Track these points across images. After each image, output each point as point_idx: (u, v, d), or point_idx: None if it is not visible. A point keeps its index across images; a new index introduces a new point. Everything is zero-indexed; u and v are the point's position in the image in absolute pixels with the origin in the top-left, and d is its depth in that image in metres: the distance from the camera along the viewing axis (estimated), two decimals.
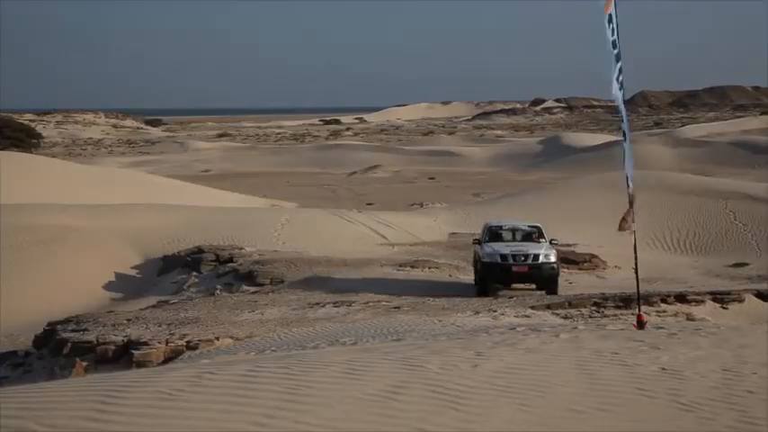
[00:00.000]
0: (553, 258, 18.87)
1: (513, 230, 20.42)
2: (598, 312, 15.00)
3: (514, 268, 18.72)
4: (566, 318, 14.47)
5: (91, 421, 5.00)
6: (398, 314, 14.59)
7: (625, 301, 15.38)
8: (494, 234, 20.09)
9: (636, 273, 11.39)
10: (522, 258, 18.78)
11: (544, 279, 18.69)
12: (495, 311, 14.59)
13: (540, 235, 20.07)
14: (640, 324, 10.44)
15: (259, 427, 5.15)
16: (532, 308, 15.23)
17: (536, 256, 18.79)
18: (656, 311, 15.38)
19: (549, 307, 15.38)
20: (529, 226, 20.50)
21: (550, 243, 19.58)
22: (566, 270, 22.02)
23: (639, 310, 11.28)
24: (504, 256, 18.75)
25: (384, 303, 16.36)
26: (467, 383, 6.29)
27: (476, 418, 5.54)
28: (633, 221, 10.54)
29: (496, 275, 18.76)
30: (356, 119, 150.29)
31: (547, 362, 7.20)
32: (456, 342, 8.80)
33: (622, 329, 10.26)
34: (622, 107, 10.54)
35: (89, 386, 5.91)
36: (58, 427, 4.77)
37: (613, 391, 6.43)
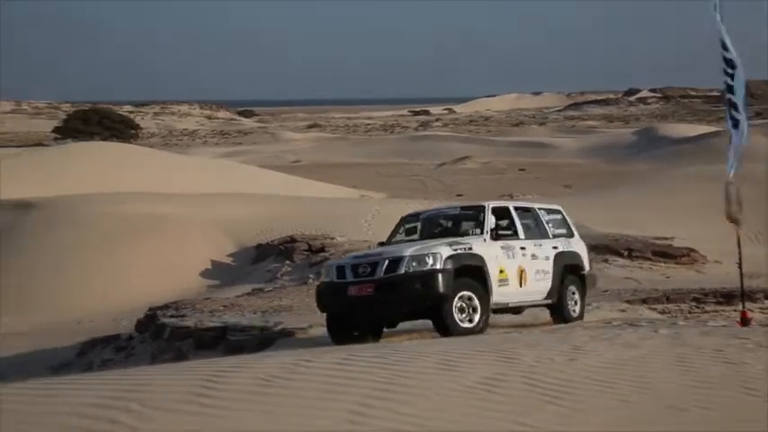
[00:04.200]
0: (439, 264, 9.83)
1: (445, 219, 11.74)
2: (698, 308, 14.57)
3: (351, 290, 10.04)
4: (663, 313, 14.12)
5: (192, 404, 5.10)
6: None
7: (726, 297, 14.89)
8: (411, 229, 11.65)
9: (740, 268, 11.00)
10: (367, 270, 10.08)
11: (413, 304, 9.99)
12: (589, 305, 14.34)
13: (506, 218, 11.23)
14: (744, 321, 10.10)
15: (355, 415, 5.17)
16: (628, 302, 14.91)
17: (395, 263, 9.98)
18: (760, 308, 14.85)
19: (645, 301, 15.02)
20: (466, 207, 11.81)
21: (496, 234, 10.74)
22: (662, 264, 21.45)
23: (744, 307, 10.92)
24: (341, 270, 10.33)
25: None
26: (564, 377, 6.18)
27: (575, 413, 5.45)
28: (740, 209, 10.19)
29: (332, 306, 10.43)
30: (445, 110, 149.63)
31: (647, 357, 7.03)
32: (550, 335, 8.68)
33: (725, 326, 9.94)
34: (741, 90, 10.24)
35: (190, 370, 6.05)
36: (162, 410, 4.89)
37: (717, 389, 6.23)
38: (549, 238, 11.65)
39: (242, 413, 5.03)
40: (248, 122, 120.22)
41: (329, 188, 44.93)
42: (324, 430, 4.94)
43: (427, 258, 9.93)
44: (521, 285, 10.83)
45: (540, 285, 11.19)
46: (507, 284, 10.61)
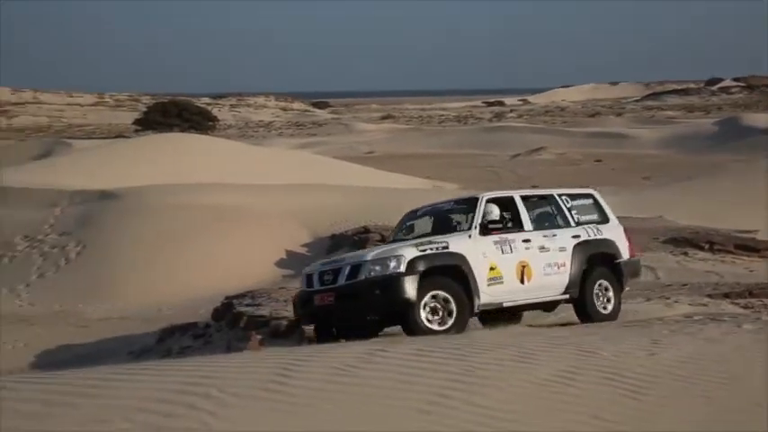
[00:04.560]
0: (402, 267, 9.25)
1: (439, 215, 10.89)
2: None
3: (316, 300, 9.72)
4: (746, 307, 13.71)
5: (269, 392, 5.17)
6: None
7: None
8: (411, 226, 11.05)
9: None
10: (330, 278, 9.68)
11: (375, 311, 9.49)
12: (668, 299, 14.03)
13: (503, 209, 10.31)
14: None
15: (430, 405, 5.16)
16: (709, 296, 14.53)
17: (356, 269, 9.50)
18: None
19: (727, 296, 14.62)
20: (460, 201, 10.90)
21: (486, 229, 9.93)
22: (745, 258, 20.83)
23: None
24: (309, 278, 9.99)
25: None
26: (644, 372, 6.05)
27: (656, 408, 5.33)
28: None
29: (303, 315, 10.35)
30: (520, 100, 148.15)
31: (730, 353, 6.84)
32: (629, 329, 8.51)
33: None
34: None
35: (267, 358, 6.12)
36: (240, 396, 4.96)
37: None
38: (570, 226, 10.60)
39: (317, 401, 5.06)
40: (322, 114, 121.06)
41: (402, 179, 44.94)
42: (399, 420, 4.94)
43: (389, 262, 9.30)
44: (522, 282, 9.88)
45: (552, 280, 10.14)
46: (501, 282, 9.71)
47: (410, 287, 9.18)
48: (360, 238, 24.47)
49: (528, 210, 10.49)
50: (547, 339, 7.14)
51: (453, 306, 9.33)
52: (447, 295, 9.34)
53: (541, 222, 10.56)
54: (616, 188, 39.07)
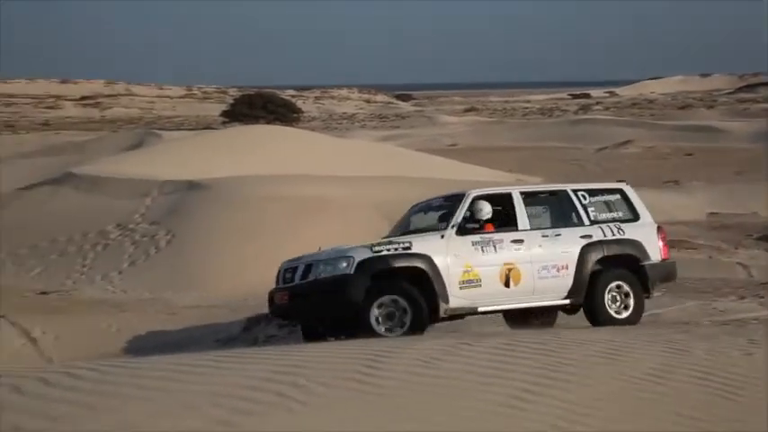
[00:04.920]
0: (352, 268, 8.99)
1: (429, 211, 10.58)
2: None
3: (276, 298, 9.74)
4: None
5: (356, 382, 5.20)
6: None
7: None
8: (410, 222, 10.69)
9: None
10: (289, 277, 9.62)
11: (323, 313, 9.35)
12: (762, 297, 13.59)
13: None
14: None
15: (516, 401, 5.11)
16: None
17: (308, 269, 9.37)
18: None
19: None
20: (448, 197, 10.28)
21: (463, 228, 9.45)
22: None
23: None
24: (277, 275, 10.01)
25: None
26: (739, 372, 5.87)
27: (750, 409, 5.16)
28: None
29: (272, 314, 10.51)
30: (607, 92, 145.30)
31: None
32: (722, 328, 8.27)
33: None
34: None
35: (352, 349, 6.16)
36: (328, 386, 5.00)
37: None
38: (582, 225, 9.83)
39: (404, 392, 5.07)
40: (405, 106, 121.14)
41: (485, 172, 44.59)
42: (484, 415, 4.90)
43: (340, 263, 9.03)
44: (507, 285, 9.30)
45: (549, 284, 9.47)
46: (478, 285, 9.18)
47: (357, 290, 8.84)
48: None
49: (530, 207, 9.84)
50: (637, 337, 6.99)
51: (408, 310, 8.91)
52: (401, 299, 8.91)
53: (544, 221, 9.89)
54: (708, 182, 38.02)
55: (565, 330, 8.15)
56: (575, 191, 10.12)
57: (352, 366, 5.40)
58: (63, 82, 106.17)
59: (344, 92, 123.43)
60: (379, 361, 5.55)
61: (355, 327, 8.85)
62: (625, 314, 9.75)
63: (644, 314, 9.77)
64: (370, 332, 8.75)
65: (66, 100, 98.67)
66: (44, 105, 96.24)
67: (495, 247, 9.37)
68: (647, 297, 9.98)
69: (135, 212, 26.59)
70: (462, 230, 9.35)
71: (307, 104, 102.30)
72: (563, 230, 9.79)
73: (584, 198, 10.10)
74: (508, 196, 9.78)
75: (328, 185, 29.56)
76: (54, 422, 4.24)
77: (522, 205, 9.73)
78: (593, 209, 10.06)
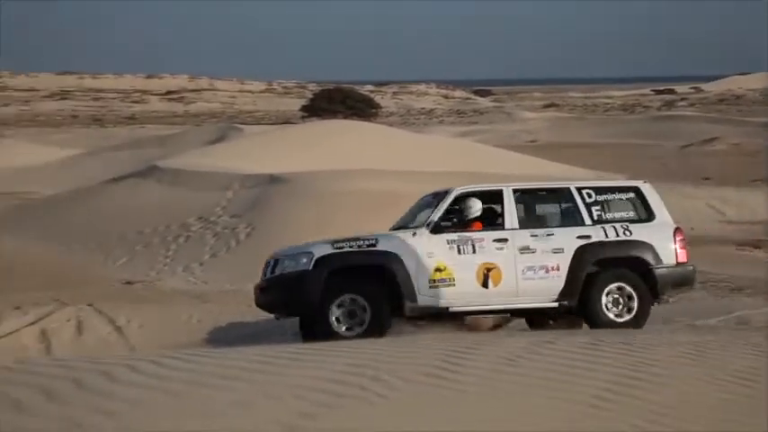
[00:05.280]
0: (310, 265, 8.98)
1: (421, 208, 10.29)
2: None
3: (254, 291, 10.05)
4: None
5: (437, 378, 5.21)
6: (741, 296, 13.64)
7: None
8: (416, 215, 10.30)
9: None
10: (265, 270, 9.69)
11: (285, 310, 9.42)
12: None
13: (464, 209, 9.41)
14: None
15: (598, 400, 5.04)
16: None
17: (276, 264, 9.46)
18: None
19: None
20: (436, 195, 9.93)
21: (437, 227, 9.28)
22: None
23: None
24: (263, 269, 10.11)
25: (724, 284, 15.38)
26: None
27: None
28: None
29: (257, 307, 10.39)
30: (692, 88, 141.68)
31: None
32: None
33: None
34: None
35: (432, 344, 6.16)
36: (409, 381, 5.02)
37: None
38: (583, 224, 9.36)
39: (485, 390, 5.06)
40: (484, 102, 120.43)
41: (564, 169, 44.05)
42: (566, 414, 4.85)
43: (300, 258, 8.99)
44: (486, 286, 9.03)
45: (537, 285, 9.11)
46: (452, 285, 8.97)
47: (313, 287, 8.74)
48: None
49: (524, 205, 9.46)
50: (725, 338, 6.82)
51: (367, 308, 8.76)
52: (359, 297, 8.77)
53: (537, 220, 9.52)
54: None
55: (652, 330, 8.00)
56: (579, 189, 9.66)
57: (432, 362, 5.40)
58: (149, 77, 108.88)
59: (422, 87, 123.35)
60: (461, 357, 5.54)
61: (313, 326, 8.81)
62: (627, 317, 9.27)
63: (731, 315, 9.45)
64: (328, 330, 8.64)
65: (151, 94, 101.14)
66: (130, 100, 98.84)
67: (473, 246, 9.11)
68: (658, 302, 9.49)
69: (216, 205, 27.13)
70: (437, 229, 9.14)
71: (385, 100, 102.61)
72: (558, 230, 9.40)
73: (590, 196, 9.61)
74: (499, 193, 9.45)
75: (404, 180, 29.57)
76: (140, 408, 4.36)
77: (513, 203, 9.38)
78: (597, 208, 9.57)
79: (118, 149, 52.15)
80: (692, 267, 9.72)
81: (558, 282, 9.14)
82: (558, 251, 9.18)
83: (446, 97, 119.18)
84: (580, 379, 5.33)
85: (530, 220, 9.39)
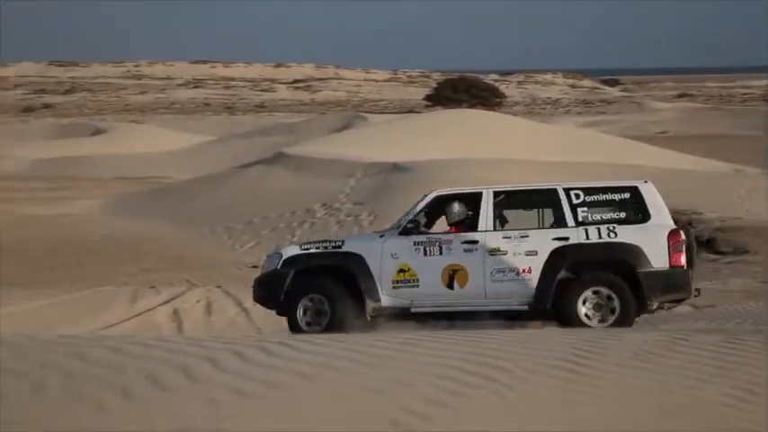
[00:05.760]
0: (279, 265, 9.53)
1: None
2: None
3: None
4: None
5: (564, 371, 5.12)
6: None
7: None
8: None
9: None
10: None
11: (266, 306, 10.01)
12: None
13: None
14: None
15: (735, 401, 4.84)
16: None
17: (265, 262, 10.23)
18: None
19: None
20: (425, 196, 9.92)
21: (405, 228, 9.38)
22: None
23: None
24: None
25: None
26: None
27: None
28: None
29: None
30: None
31: None
32: None
33: None
34: None
35: (559, 337, 6.06)
36: (535, 372, 4.95)
37: None
38: (565, 226, 9.03)
39: (615, 384, 4.93)
40: (612, 91, 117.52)
41: (697, 161, 42.52)
42: (702, 413, 4.67)
43: (274, 258, 9.48)
44: (450, 287, 8.99)
45: (506, 287, 8.95)
46: (415, 285, 9.04)
47: (279, 285, 9.13)
48: None
49: (505, 208, 9.33)
50: None
51: (326, 307, 9.01)
52: (321, 297, 9.05)
53: (518, 222, 9.32)
54: None
55: None
56: (567, 189, 9.25)
57: (561, 354, 5.31)
58: (277, 66, 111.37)
59: (549, 76, 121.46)
60: (591, 351, 5.42)
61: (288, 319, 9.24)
62: (609, 322, 8.75)
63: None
64: (295, 325, 9.07)
65: (279, 83, 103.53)
66: (259, 88, 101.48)
67: (440, 248, 9.08)
68: (649, 308, 8.93)
69: (340, 192, 27.56)
70: (405, 231, 9.21)
71: (510, 89, 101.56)
72: (534, 232, 9.17)
73: (577, 197, 9.20)
74: (478, 196, 9.30)
75: (526, 170, 29.23)
76: (272, 389, 4.46)
77: (490, 205, 9.19)
78: (584, 209, 9.15)
79: (247, 137, 53.73)
80: (684, 270, 8.94)
81: (529, 284, 8.93)
82: (531, 253, 8.96)
83: (573, 87, 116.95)
84: (717, 378, 5.13)
85: (510, 222, 9.28)
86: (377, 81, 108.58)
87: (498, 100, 73.28)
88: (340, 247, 9.28)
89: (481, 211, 9.15)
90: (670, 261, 8.83)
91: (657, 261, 8.81)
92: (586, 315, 8.77)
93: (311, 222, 25.88)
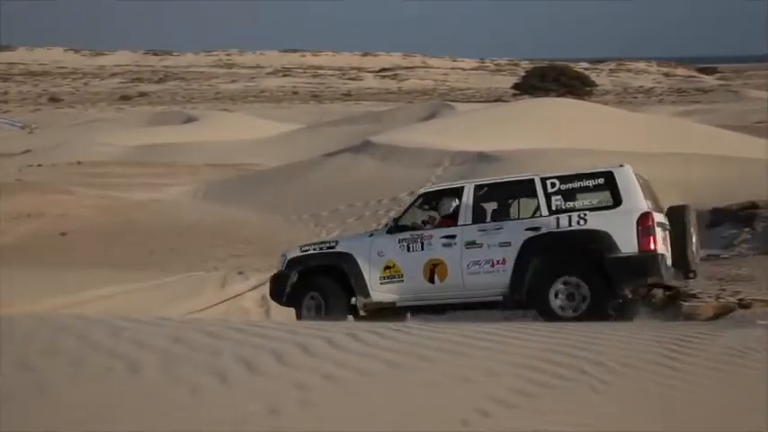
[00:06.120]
0: (283, 266, 10.23)
1: None
2: None
3: None
4: None
5: (661, 366, 5.01)
6: None
7: None
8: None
9: None
10: None
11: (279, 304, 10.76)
12: None
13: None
14: None
15: None
16: None
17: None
18: None
19: None
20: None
21: (393, 227, 9.81)
22: None
23: None
24: None
25: None
26: None
27: None
28: None
29: None
30: None
31: None
32: None
33: None
34: None
35: (654, 332, 5.92)
36: (631, 367, 4.85)
37: None
38: (540, 215, 9.07)
39: (711, 382, 4.79)
40: (709, 80, 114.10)
41: None
42: None
43: (282, 259, 10.17)
44: (431, 281, 9.23)
45: (482, 279, 9.06)
46: (400, 281, 9.38)
47: (283, 285, 9.85)
48: (746, 214, 22.77)
49: (486, 201, 9.43)
50: None
51: (321, 303, 9.59)
52: (317, 294, 9.64)
53: (496, 214, 9.43)
54: None
55: None
56: (544, 179, 9.28)
57: (656, 349, 5.18)
58: (365, 55, 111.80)
59: (642, 65, 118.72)
60: (687, 347, 5.28)
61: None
62: (583, 308, 8.70)
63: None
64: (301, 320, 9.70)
65: (366, 72, 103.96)
66: (347, 77, 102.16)
67: (422, 243, 9.38)
68: (619, 296, 8.80)
69: (427, 181, 27.50)
70: (392, 229, 9.62)
71: (601, 77, 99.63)
72: (509, 223, 9.23)
73: (553, 186, 9.20)
74: (460, 190, 9.49)
75: (615, 161, 28.63)
76: (363, 375, 4.48)
77: (471, 199, 9.36)
78: (558, 198, 9.12)
79: (334, 125, 54.16)
80: (653, 255, 8.76)
81: (504, 275, 9.01)
82: (505, 244, 9.06)
83: (667, 75, 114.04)
84: None
85: (489, 214, 9.41)
86: (464, 70, 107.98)
87: (588, 89, 71.94)
88: (333, 247, 9.85)
89: (462, 206, 9.34)
90: (639, 245, 8.70)
91: (626, 246, 8.71)
92: (560, 306, 8.79)
93: (397, 211, 25.92)
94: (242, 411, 3.76)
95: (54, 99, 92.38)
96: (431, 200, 9.75)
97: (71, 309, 11.66)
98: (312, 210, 26.77)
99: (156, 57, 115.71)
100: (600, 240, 8.75)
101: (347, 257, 9.63)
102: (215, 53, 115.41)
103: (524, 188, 9.35)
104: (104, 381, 4.14)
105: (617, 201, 9.01)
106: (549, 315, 8.80)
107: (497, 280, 9.04)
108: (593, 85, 75.65)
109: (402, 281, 9.41)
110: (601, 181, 9.16)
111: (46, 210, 27.40)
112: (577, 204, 9.06)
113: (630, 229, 8.80)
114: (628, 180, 9.11)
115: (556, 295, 8.80)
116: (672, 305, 13.88)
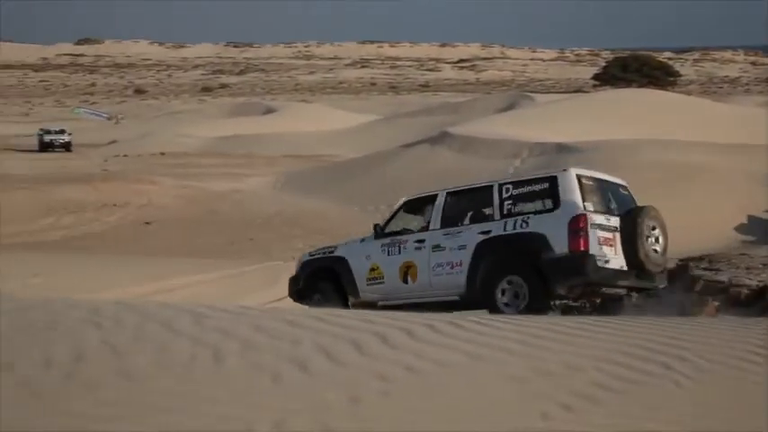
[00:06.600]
0: (297, 269, 11.18)
1: None
2: None
3: None
4: None
5: (747, 362, 4.89)
6: None
7: None
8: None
9: None
10: None
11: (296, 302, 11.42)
12: None
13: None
14: None
15: None
16: None
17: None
18: None
19: None
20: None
21: (379, 232, 10.42)
22: None
23: None
24: None
25: None
26: None
27: None
28: None
29: None
30: None
31: None
32: None
33: None
34: None
35: (746, 330, 5.76)
36: (718, 363, 4.74)
37: None
38: (493, 220, 9.65)
39: None
40: None
41: None
42: None
43: (297, 263, 11.16)
44: (406, 282, 10.00)
45: (442, 280, 9.75)
46: (382, 282, 10.17)
47: (295, 286, 10.84)
48: None
49: (453, 207, 9.99)
50: None
51: (324, 304, 10.13)
52: (319, 295, 10.49)
53: (457, 219, 9.97)
54: None
55: None
56: (501, 185, 9.91)
57: (743, 346, 5.05)
58: (442, 46, 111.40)
59: (728, 54, 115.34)
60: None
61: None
62: (519, 307, 9.29)
63: None
64: None
65: (444, 63, 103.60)
66: (425, 68, 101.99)
67: (399, 247, 10.11)
68: (555, 295, 9.30)
69: (505, 173, 27.30)
70: (378, 234, 10.34)
71: (685, 67, 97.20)
72: (467, 228, 9.82)
73: (506, 191, 9.80)
74: (435, 197, 10.16)
75: (697, 152, 27.92)
76: (443, 367, 4.48)
77: (441, 206, 10.00)
78: (510, 202, 9.72)
79: (411, 116, 54.16)
80: (584, 254, 9.20)
81: (461, 277, 9.64)
82: (462, 248, 9.66)
83: (754, 64, 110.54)
84: None
85: (455, 220, 9.95)
86: (543, 60, 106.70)
87: (672, 79, 70.23)
88: (332, 252, 10.76)
89: (433, 212, 10.06)
90: (570, 246, 9.17)
91: (559, 247, 9.22)
92: (506, 303, 9.33)
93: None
94: (322, 399, 3.79)
95: (139, 90, 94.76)
96: (413, 206, 10.51)
97: (156, 296, 11.98)
98: (389, 201, 26.83)
99: (237, 49, 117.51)
100: (537, 242, 9.32)
101: (342, 261, 10.52)
102: (294, 45, 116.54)
103: (486, 194, 9.93)
104: (189, 368, 4.22)
105: (556, 204, 9.52)
106: (496, 312, 9.28)
107: (456, 281, 9.70)
108: (676, 75, 73.78)
109: (383, 282, 10.21)
110: (546, 185, 9.70)
111: (130, 200, 28.16)
112: (525, 208, 9.64)
113: (562, 231, 9.30)
114: (569, 183, 9.56)
115: (502, 293, 9.39)
116: (759, 299, 13.50)
